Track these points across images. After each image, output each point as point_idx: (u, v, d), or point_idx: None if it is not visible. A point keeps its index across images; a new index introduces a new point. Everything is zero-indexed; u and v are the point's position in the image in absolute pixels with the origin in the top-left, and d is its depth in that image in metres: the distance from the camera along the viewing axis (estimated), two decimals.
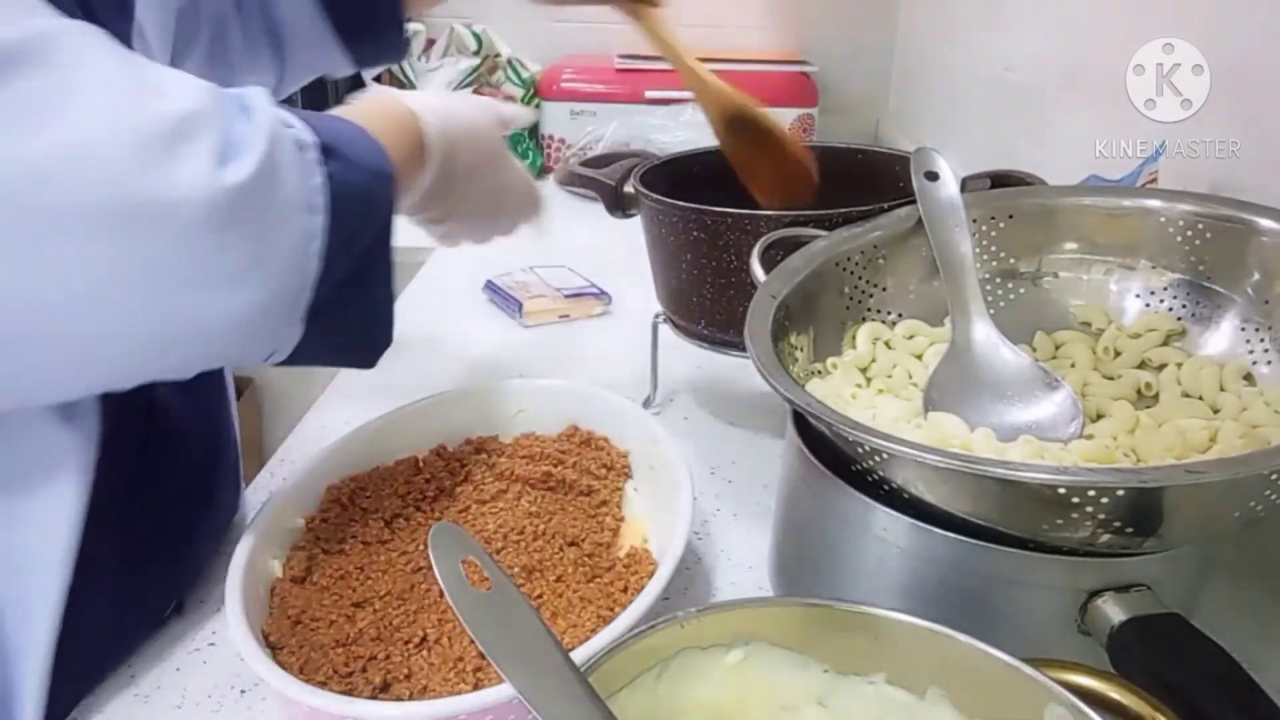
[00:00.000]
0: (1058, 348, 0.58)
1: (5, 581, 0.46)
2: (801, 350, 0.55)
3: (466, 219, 0.63)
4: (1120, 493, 0.36)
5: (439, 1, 0.77)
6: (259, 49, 0.71)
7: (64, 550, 0.46)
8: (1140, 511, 0.37)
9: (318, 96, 1.46)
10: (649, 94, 1.45)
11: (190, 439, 0.57)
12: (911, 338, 0.59)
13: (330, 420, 0.78)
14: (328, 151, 0.43)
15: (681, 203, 0.66)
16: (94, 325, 0.37)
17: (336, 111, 0.51)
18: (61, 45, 0.36)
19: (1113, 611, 0.39)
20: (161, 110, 0.37)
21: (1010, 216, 0.60)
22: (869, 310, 0.60)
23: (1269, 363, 0.51)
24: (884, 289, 0.61)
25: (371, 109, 0.54)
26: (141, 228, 0.36)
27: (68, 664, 0.48)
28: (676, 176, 0.75)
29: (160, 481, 0.54)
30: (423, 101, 0.57)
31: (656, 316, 0.76)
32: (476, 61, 1.55)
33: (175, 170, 0.37)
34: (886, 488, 0.43)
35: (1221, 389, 0.51)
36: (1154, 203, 0.56)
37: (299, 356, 0.46)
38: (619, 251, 0.98)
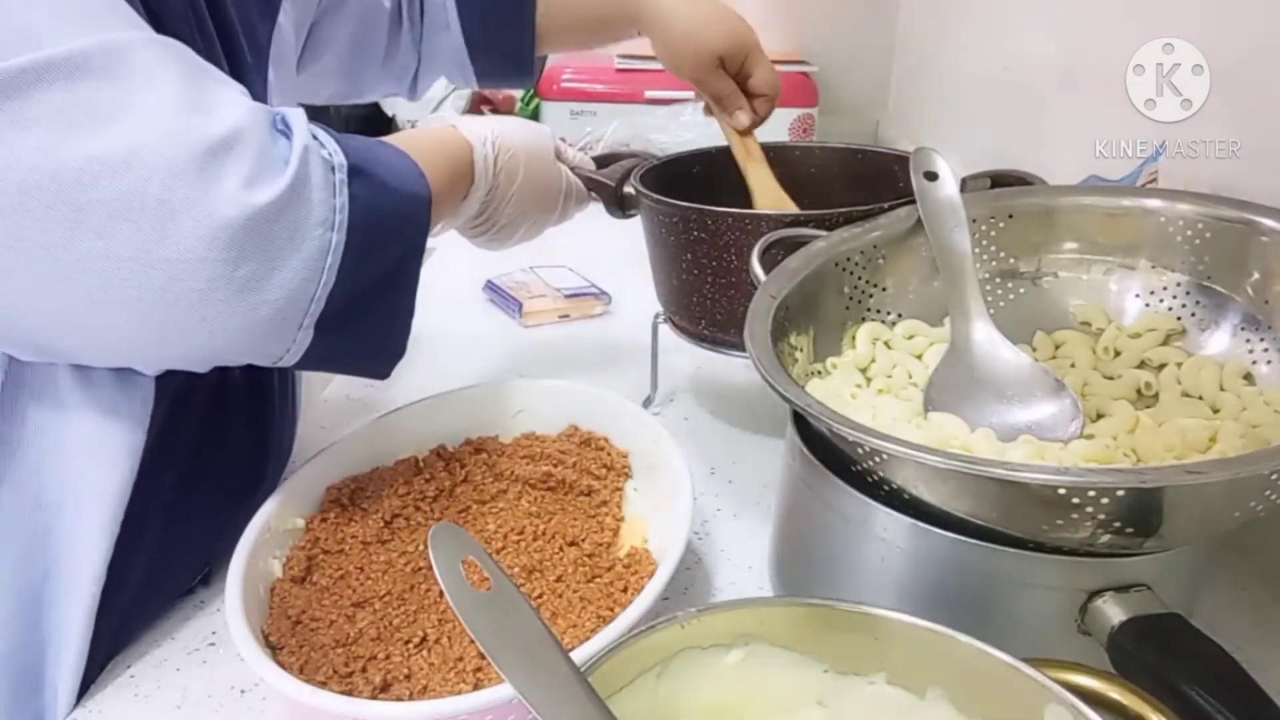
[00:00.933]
0: (1057, 348, 0.58)
1: (60, 526, 0.49)
2: (801, 350, 0.55)
3: (512, 235, 0.68)
4: (1120, 493, 0.36)
5: (580, 49, 0.83)
6: (402, 63, 0.79)
7: (115, 501, 0.49)
8: (1140, 512, 0.37)
9: (319, 108, 1.46)
10: (649, 94, 1.45)
11: (252, 415, 0.61)
12: (911, 338, 0.59)
13: (330, 420, 0.78)
14: (357, 173, 0.46)
15: (683, 202, 0.66)
16: (114, 311, 0.41)
17: (390, 138, 0.54)
18: (131, 59, 0.40)
19: (1113, 611, 0.39)
20: (207, 129, 0.41)
21: (1010, 216, 0.60)
22: (869, 310, 0.60)
23: (1269, 362, 0.51)
24: (884, 289, 0.61)
25: (424, 137, 0.59)
26: (168, 234, 0.39)
27: (106, 617, 0.51)
28: (676, 176, 0.75)
29: (215, 450, 0.57)
30: (479, 130, 0.61)
31: (656, 316, 0.76)
32: None
33: (208, 185, 0.40)
34: (886, 488, 0.43)
35: (1221, 389, 0.51)
36: (1154, 202, 0.56)
37: (310, 361, 0.48)
38: (619, 251, 0.98)
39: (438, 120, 0.66)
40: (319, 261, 0.44)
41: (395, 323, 0.52)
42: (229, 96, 0.44)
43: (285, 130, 0.45)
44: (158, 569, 0.54)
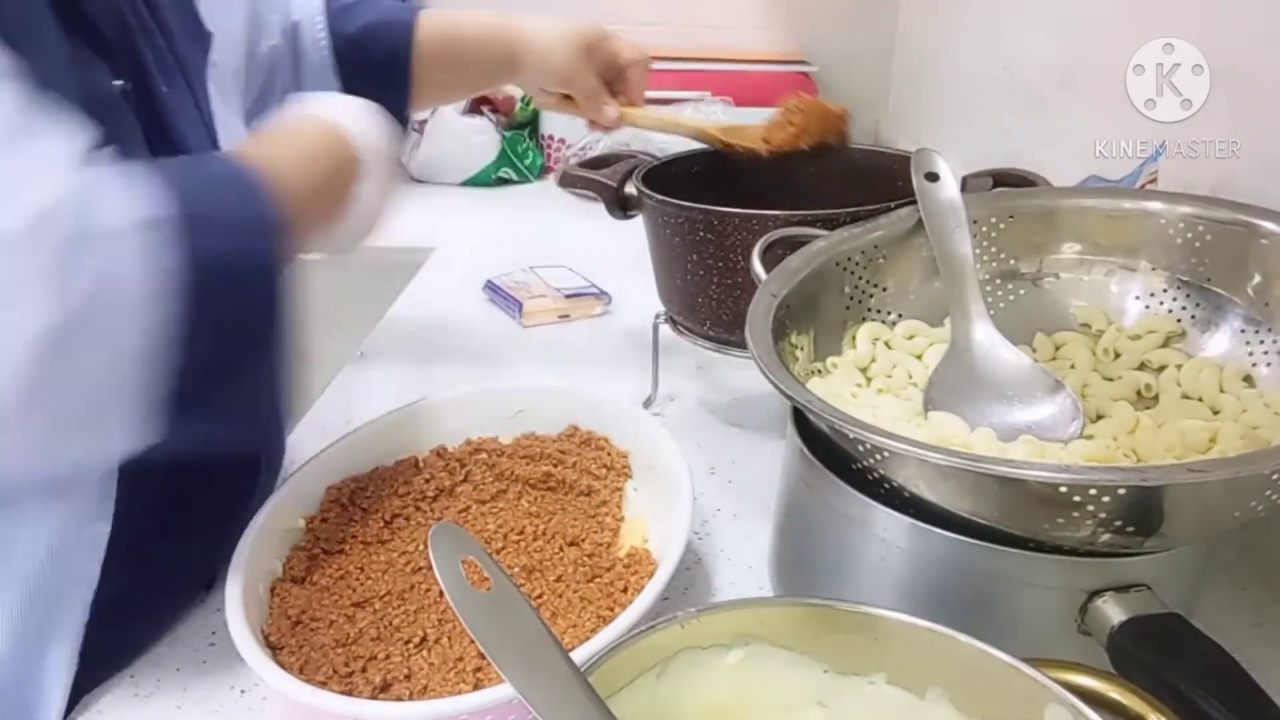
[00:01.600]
0: (1058, 349, 0.58)
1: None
2: (802, 350, 0.55)
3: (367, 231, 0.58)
4: (1122, 491, 0.36)
5: (444, 104, 0.84)
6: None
7: (99, 513, 0.47)
8: (1141, 510, 0.37)
9: None
10: (648, 94, 1.45)
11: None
12: (911, 338, 0.59)
13: (330, 420, 0.78)
14: (191, 221, 0.38)
15: (688, 203, 0.66)
16: None
17: (257, 139, 0.50)
18: None
19: (1113, 611, 0.39)
20: None
21: (1010, 217, 0.60)
22: (869, 310, 0.60)
23: (1269, 365, 0.51)
24: (884, 289, 0.61)
25: (289, 139, 0.51)
26: None
27: (100, 641, 0.49)
28: (676, 177, 0.75)
29: (198, 472, 0.54)
30: (340, 111, 0.53)
31: (657, 316, 0.76)
32: None
33: None
34: (886, 486, 0.43)
35: (1221, 391, 0.51)
36: (1155, 204, 0.56)
37: (173, 443, 0.41)
38: (619, 251, 0.98)
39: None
40: (156, 340, 0.37)
41: (267, 382, 0.45)
42: (31, 175, 0.35)
43: (88, 209, 0.36)
44: (150, 589, 0.53)
